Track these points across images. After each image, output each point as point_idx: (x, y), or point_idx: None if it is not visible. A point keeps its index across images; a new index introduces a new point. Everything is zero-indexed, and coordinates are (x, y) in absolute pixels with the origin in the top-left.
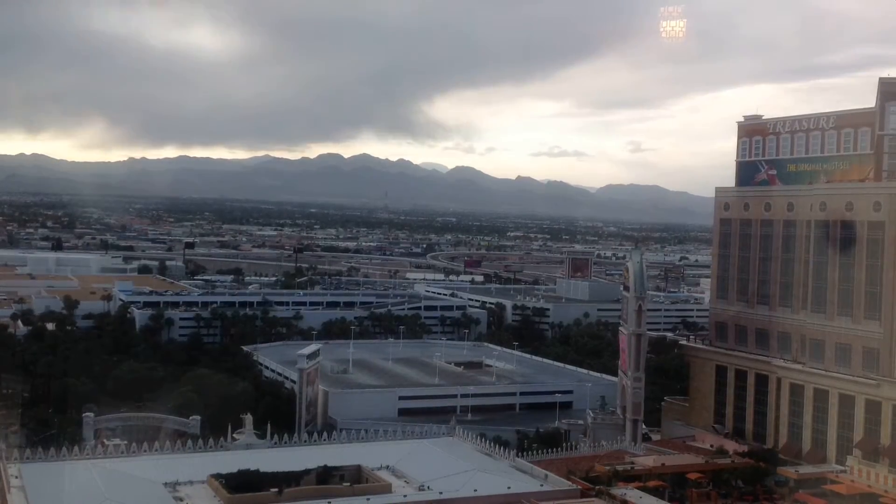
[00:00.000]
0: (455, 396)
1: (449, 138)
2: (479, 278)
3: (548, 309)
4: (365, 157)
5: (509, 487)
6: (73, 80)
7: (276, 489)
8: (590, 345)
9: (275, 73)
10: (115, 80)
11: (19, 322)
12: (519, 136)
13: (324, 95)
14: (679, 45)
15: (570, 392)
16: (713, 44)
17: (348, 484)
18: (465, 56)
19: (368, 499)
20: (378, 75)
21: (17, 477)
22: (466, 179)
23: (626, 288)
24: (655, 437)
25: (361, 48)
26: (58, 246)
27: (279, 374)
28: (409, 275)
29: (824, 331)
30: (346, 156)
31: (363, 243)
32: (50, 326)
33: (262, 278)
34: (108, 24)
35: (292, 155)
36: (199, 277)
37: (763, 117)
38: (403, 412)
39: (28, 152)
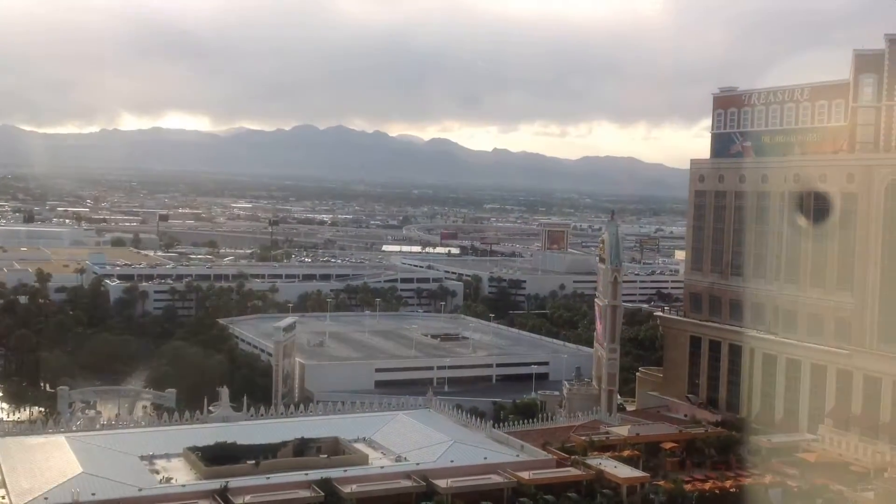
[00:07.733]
0: (431, 368)
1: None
2: (456, 250)
3: (524, 281)
4: (340, 128)
5: (486, 458)
6: None
7: (252, 461)
8: (565, 316)
9: None
10: None
11: None
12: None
13: None
14: None
15: (546, 363)
16: None
17: (325, 456)
18: None
19: (345, 470)
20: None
21: None
22: (443, 151)
23: (602, 260)
24: (630, 407)
25: None
26: (29, 218)
27: (255, 347)
28: (385, 247)
29: (797, 302)
30: (321, 127)
31: (339, 215)
32: (22, 300)
33: (238, 251)
34: None
35: (267, 126)
36: (173, 250)
37: (738, 89)
38: (380, 384)
39: None
